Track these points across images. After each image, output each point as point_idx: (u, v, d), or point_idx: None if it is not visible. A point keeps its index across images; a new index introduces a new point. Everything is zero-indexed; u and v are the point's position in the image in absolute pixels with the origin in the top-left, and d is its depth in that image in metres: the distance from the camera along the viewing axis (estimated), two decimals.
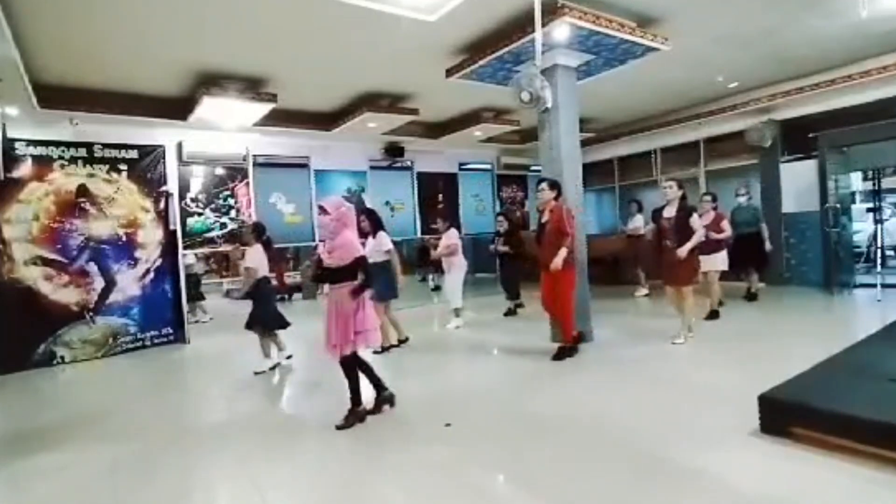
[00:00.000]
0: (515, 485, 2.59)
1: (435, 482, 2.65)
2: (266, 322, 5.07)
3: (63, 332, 5.90)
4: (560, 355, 4.75)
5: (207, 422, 3.89)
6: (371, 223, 5.43)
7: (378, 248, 5.32)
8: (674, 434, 3.02)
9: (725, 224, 6.21)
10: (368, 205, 9.68)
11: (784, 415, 2.82)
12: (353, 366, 3.52)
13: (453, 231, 6.83)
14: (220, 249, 8.33)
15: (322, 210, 3.50)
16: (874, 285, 7.44)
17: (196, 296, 8.79)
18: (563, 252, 4.54)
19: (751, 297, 7.09)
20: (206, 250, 8.27)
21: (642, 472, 2.60)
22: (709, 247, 5.99)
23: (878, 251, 8.82)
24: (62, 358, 5.87)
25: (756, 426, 2.90)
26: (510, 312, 7.32)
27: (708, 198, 6.38)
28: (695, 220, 4.88)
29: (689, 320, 5.06)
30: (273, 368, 5.07)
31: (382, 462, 2.92)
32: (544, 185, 4.84)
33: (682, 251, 4.78)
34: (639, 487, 2.46)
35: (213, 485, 2.86)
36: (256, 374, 4.96)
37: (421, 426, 3.43)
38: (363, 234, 5.57)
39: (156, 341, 6.46)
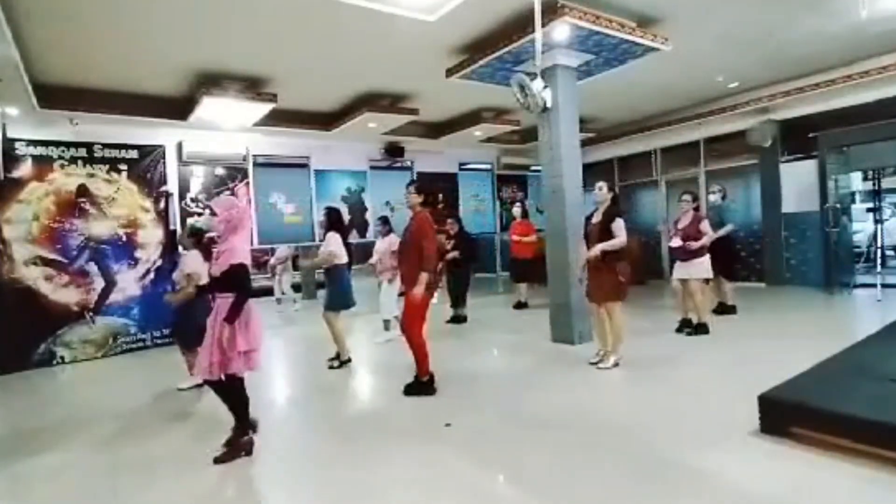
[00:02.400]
0: (515, 485, 2.59)
1: (435, 482, 2.65)
2: (185, 337, 4.44)
3: (63, 332, 5.90)
4: (410, 389, 4.01)
5: (207, 422, 3.88)
6: (326, 221, 5.03)
7: (324, 249, 4.95)
8: (673, 434, 3.02)
9: (705, 226, 5.47)
10: (368, 205, 9.72)
11: (784, 415, 2.83)
12: (234, 388, 3.07)
13: (395, 236, 5.82)
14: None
15: (211, 212, 3.19)
16: (874, 285, 7.44)
17: None
18: (423, 277, 3.82)
19: (725, 309, 6.30)
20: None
21: (642, 473, 2.60)
22: (679, 253, 5.48)
23: (878, 251, 8.82)
24: (62, 358, 5.87)
25: (756, 426, 2.90)
26: (453, 320, 6.90)
27: (687, 197, 5.71)
28: (617, 226, 4.31)
29: (618, 343, 4.43)
30: (202, 386, 4.11)
31: (383, 462, 2.92)
32: (412, 188, 4.16)
33: (595, 249, 4.27)
34: (638, 487, 2.46)
35: (213, 485, 2.85)
36: (180, 389, 4.53)
37: (421, 426, 3.43)
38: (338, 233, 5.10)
39: (157, 342, 6.45)
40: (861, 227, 9.47)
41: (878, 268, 8.24)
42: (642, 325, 5.85)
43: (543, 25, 4.34)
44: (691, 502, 2.31)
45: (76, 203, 6.06)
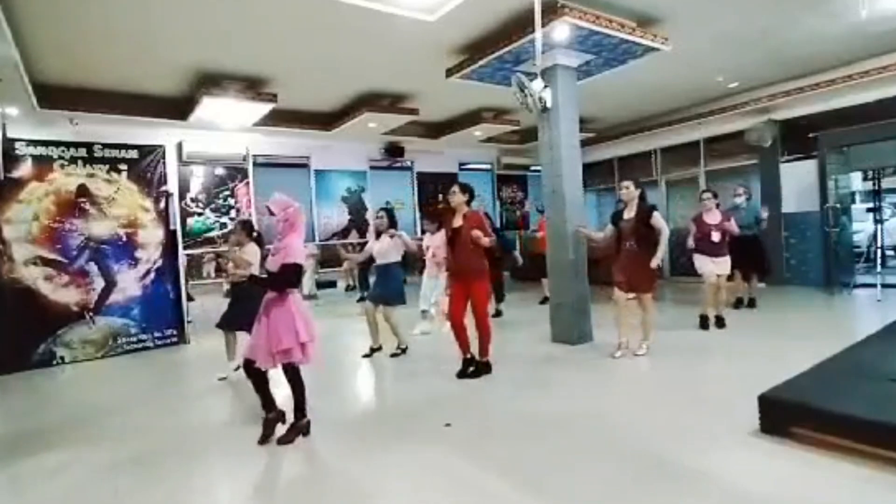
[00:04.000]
0: (515, 485, 2.59)
1: (435, 482, 2.65)
2: (245, 323, 4.58)
3: (63, 332, 5.89)
4: (478, 372, 4.41)
5: (208, 422, 3.89)
6: (387, 221, 5.28)
7: (390, 248, 5.19)
8: (674, 434, 3.02)
9: (733, 224, 5.79)
10: (368, 205, 9.74)
11: (784, 415, 2.83)
12: (297, 373, 3.31)
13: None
14: (218, 250, 8.23)
15: (268, 211, 3.29)
16: (874, 285, 7.43)
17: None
18: (485, 264, 4.30)
19: (750, 303, 6.71)
20: (202, 251, 8.21)
21: (642, 473, 2.60)
22: (718, 249, 5.66)
23: (878, 251, 8.81)
24: (62, 358, 5.87)
25: (756, 426, 2.90)
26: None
27: (708, 195, 5.85)
28: (657, 218, 4.55)
29: (650, 332, 4.80)
30: (237, 370, 4.57)
31: (383, 462, 2.92)
32: (456, 188, 4.52)
33: (657, 259, 4.46)
34: (639, 488, 2.46)
35: (214, 486, 2.86)
36: (220, 379, 4.73)
37: (421, 426, 3.43)
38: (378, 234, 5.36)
39: (157, 342, 6.44)
40: (861, 227, 9.46)
41: (878, 268, 8.23)
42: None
43: (543, 25, 4.35)
44: (691, 502, 2.31)
45: (76, 203, 6.05)
